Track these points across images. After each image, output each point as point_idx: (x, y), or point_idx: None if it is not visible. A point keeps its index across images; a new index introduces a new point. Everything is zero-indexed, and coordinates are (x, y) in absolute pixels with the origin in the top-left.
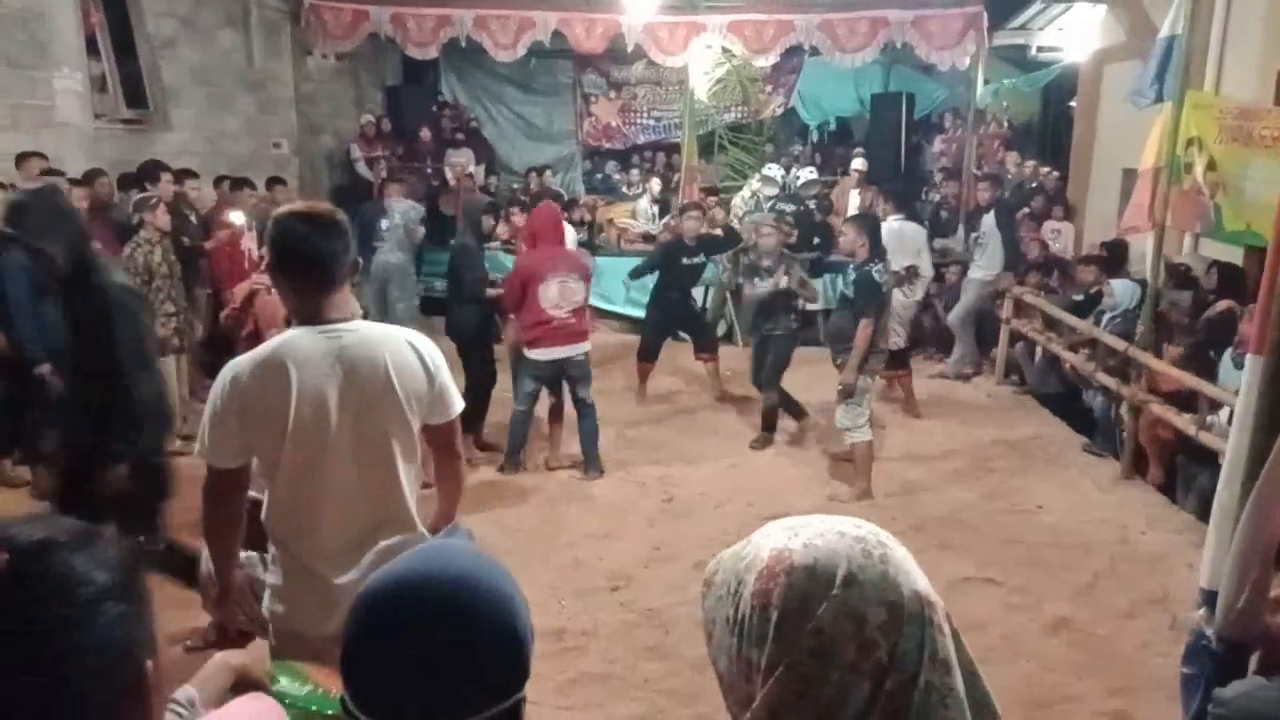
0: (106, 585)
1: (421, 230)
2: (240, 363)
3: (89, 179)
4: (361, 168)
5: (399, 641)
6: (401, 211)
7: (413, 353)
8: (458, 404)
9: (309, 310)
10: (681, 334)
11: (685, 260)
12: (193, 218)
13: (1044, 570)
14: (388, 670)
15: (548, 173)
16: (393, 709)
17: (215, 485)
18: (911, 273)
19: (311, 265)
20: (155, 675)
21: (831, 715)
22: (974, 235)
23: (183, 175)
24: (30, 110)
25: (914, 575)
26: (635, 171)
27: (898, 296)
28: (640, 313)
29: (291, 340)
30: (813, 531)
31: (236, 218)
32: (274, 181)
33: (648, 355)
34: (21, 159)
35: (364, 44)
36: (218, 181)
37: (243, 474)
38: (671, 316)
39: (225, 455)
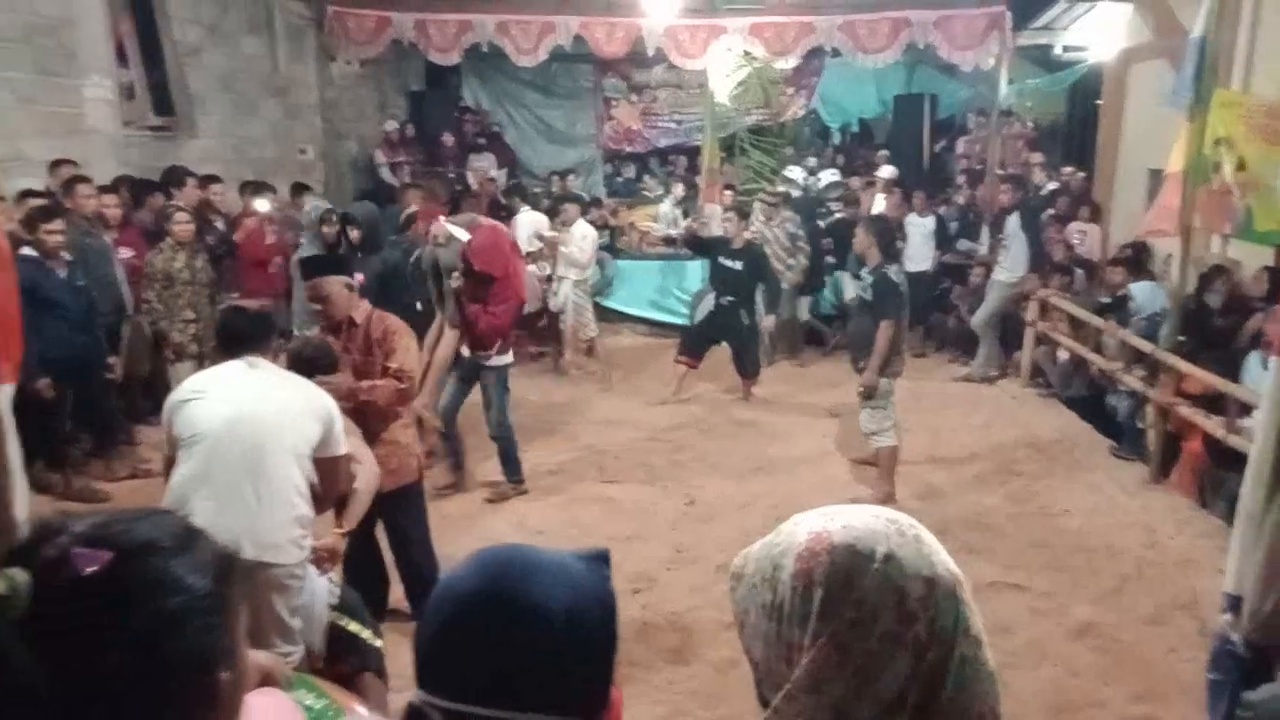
0: (199, 594)
1: (325, 228)
2: None
3: (117, 186)
4: (385, 173)
5: (479, 642)
6: (305, 212)
7: None
8: None
9: None
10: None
11: (722, 259)
12: (219, 223)
13: (1069, 574)
14: (466, 665)
15: (570, 176)
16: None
17: None
18: (541, 253)
19: None
20: (230, 687)
21: (871, 681)
22: (999, 237)
23: (207, 181)
24: (60, 117)
25: (944, 554)
26: (653, 176)
27: (530, 268)
28: (664, 316)
29: None
30: (848, 516)
31: (261, 205)
32: (300, 188)
33: (686, 352)
34: (54, 166)
35: (387, 50)
36: (242, 187)
37: None
38: (714, 323)
39: None
